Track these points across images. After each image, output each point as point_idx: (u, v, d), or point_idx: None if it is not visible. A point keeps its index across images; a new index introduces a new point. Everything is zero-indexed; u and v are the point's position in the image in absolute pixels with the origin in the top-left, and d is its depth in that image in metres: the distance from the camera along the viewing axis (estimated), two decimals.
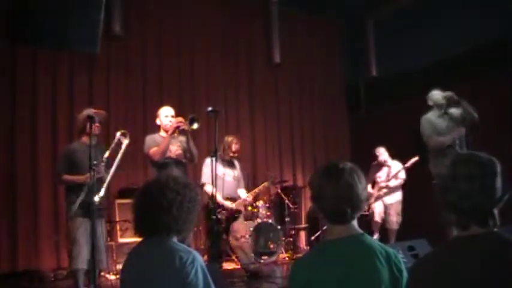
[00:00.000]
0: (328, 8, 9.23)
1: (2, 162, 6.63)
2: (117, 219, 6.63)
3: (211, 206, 5.42)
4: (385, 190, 7.44)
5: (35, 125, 6.93)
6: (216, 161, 5.23)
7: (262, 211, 7.18)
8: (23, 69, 6.89)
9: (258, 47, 9.17)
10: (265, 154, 9.16)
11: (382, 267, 1.84)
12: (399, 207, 7.37)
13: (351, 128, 10.11)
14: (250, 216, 7.47)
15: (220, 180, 5.91)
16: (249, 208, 7.68)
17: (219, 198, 5.91)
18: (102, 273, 6.05)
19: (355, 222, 1.97)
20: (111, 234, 6.63)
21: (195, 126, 5.21)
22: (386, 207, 7.44)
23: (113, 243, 6.50)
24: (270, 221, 7.12)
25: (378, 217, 7.45)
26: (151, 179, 2.39)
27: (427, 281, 1.59)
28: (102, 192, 4.47)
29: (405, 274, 1.87)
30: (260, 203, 7.37)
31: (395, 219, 7.33)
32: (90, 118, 4.54)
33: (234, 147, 6.35)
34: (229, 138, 6.39)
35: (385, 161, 7.54)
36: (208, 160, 5.97)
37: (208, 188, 5.85)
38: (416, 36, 8.32)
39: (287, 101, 9.52)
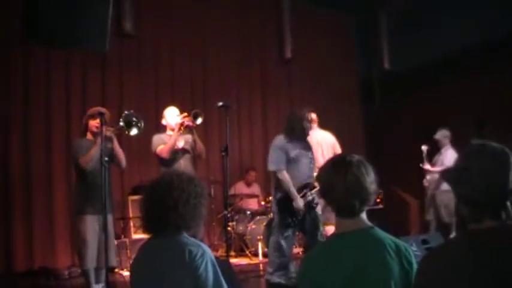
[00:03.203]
0: (338, 1, 9.15)
1: (17, 162, 6.66)
2: (131, 215, 6.64)
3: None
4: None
5: (49, 125, 6.94)
6: (227, 157, 5.07)
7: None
8: (36, 68, 6.91)
9: (270, 42, 9.11)
10: None
11: (391, 260, 1.81)
12: (446, 197, 6.61)
13: (365, 121, 10.02)
14: (263, 212, 7.47)
15: (294, 163, 4.98)
16: (262, 203, 7.68)
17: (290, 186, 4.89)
18: (116, 270, 6.10)
19: (364, 215, 1.96)
20: (124, 230, 6.66)
21: (199, 121, 5.29)
22: (434, 199, 6.98)
23: (126, 239, 6.51)
24: None
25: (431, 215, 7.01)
26: (156, 179, 2.38)
27: (435, 272, 1.55)
28: None
29: (415, 267, 1.84)
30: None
31: (445, 213, 6.76)
32: (90, 116, 4.79)
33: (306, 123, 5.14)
34: (301, 113, 5.21)
35: (438, 143, 6.96)
36: (278, 140, 5.10)
37: (282, 176, 4.91)
38: (429, 27, 8.18)
39: (300, 95, 9.43)
